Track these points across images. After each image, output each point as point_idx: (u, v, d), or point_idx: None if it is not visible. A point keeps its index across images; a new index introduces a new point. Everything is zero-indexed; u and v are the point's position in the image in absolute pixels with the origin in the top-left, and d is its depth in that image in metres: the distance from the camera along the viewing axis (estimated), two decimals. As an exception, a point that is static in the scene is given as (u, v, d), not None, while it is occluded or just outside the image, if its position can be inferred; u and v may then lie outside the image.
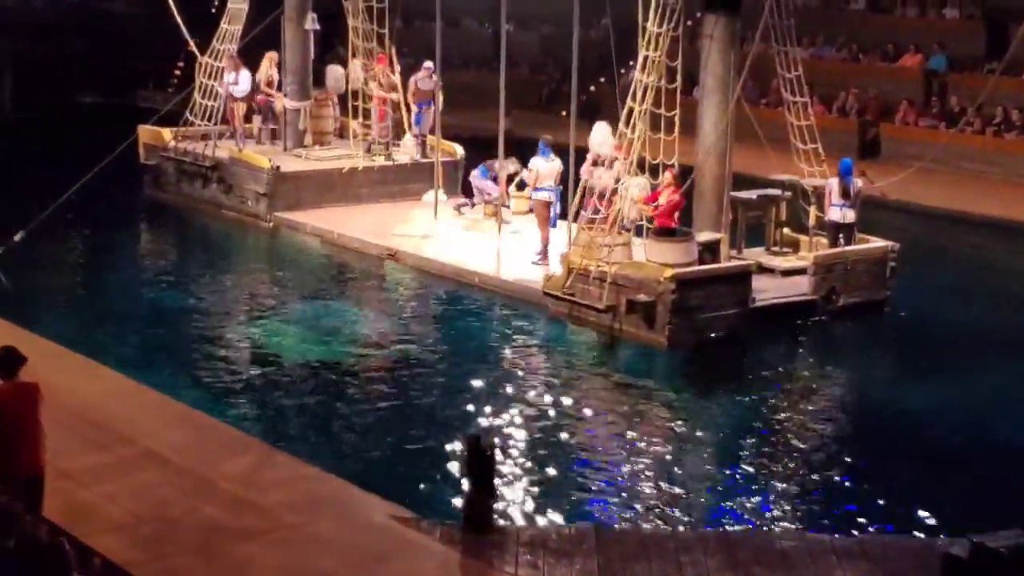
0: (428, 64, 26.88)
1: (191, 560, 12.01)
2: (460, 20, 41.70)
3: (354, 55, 28.20)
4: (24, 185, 27.73)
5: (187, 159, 28.29)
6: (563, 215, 23.06)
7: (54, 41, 42.58)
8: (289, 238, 26.20)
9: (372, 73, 27.51)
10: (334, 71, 28.69)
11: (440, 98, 26.66)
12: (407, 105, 27.86)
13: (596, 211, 20.71)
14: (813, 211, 22.08)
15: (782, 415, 17.84)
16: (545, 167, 22.68)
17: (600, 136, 22.00)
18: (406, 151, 27.93)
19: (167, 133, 28.78)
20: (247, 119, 28.70)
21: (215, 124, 28.15)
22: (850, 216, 21.72)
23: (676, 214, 20.74)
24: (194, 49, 28.43)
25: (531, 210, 23.69)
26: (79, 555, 10.49)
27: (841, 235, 21.76)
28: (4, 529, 9.19)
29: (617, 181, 20.67)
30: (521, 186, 24.86)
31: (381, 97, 27.69)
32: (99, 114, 37.76)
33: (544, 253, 22.51)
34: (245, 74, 28.04)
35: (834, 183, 21.72)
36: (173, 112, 28.80)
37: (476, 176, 25.33)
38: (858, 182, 21.87)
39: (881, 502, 14.72)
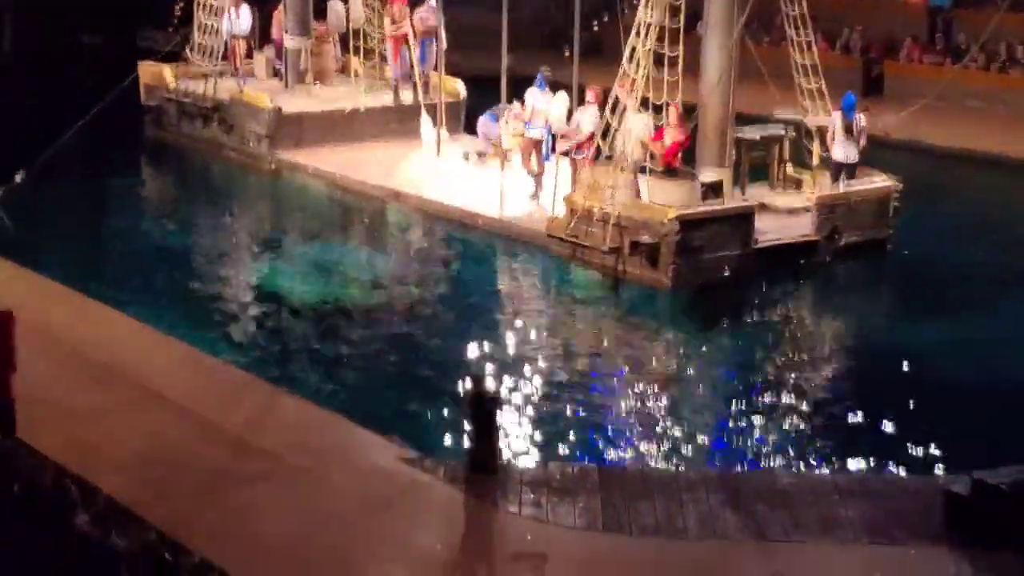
0: (431, 1, 26.71)
1: (196, 502, 12.06)
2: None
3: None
4: (24, 126, 27.61)
5: (188, 99, 28.18)
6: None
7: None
8: (291, 179, 26.13)
9: (387, 9, 27.25)
10: (335, 8, 28.49)
11: (443, 35, 26.48)
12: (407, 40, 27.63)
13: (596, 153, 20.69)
14: (816, 149, 21.98)
15: (784, 355, 17.87)
16: (541, 103, 22.43)
17: (559, 110, 22.02)
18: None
19: (168, 73, 28.64)
20: (247, 56, 28.54)
21: (216, 63, 28.02)
22: (853, 154, 21.64)
23: (680, 154, 20.66)
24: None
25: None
26: (83, 495, 10.56)
27: (844, 173, 21.68)
28: (10, 471, 9.26)
29: (618, 117, 20.53)
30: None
31: (395, 36, 27.35)
32: (99, 54, 37.54)
33: (535, 190, 22.36)
34: (245, 10, 27.87)
35: (837, 120, 21.61)
36: (174, 52, 28.68)
37: (484, 122, 24.96)
38: (862, 119, 21.75)
39: (883, 441, 14.76)
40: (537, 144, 22.58)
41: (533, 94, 22.64)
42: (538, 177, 22.52)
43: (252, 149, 26.85)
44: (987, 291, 20.33)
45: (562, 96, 22.70)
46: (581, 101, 22.04)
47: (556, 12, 39.21)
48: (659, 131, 20.54)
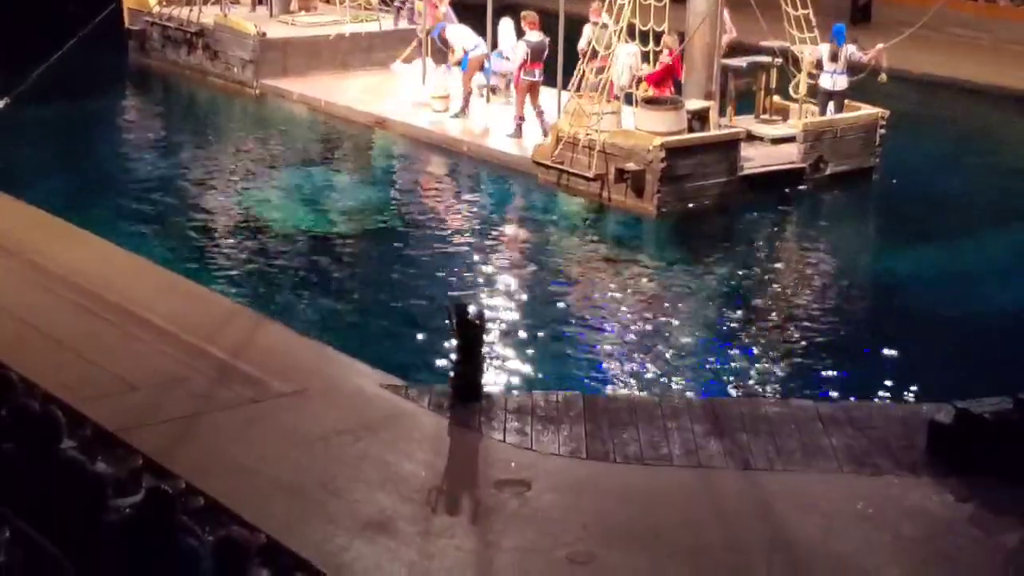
0: None
1: (183, 427, 12.09)
2: None
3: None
4: (6, 52, 27.38)
5: (172, 24, 27.96)
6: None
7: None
8: (276, 105, 26.00)
9: None
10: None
11: None
12: None
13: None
14: (803, 78, 21.89)
15: (769, 283, 17.90)
16: (537, 47, 22.19)
17: (507, 39, 22.54)
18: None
19: (151, -4, 28.42)
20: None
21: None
22: (841, 83, 21.57)
23: (670, 81, 20.62)
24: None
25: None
26: (70, 421, 10.57)
27: (832, 102, 21.63)
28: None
29: (607, 47, 20.44)
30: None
31: None
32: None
33: (519, 128, 22.27)
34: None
35: (825, 49, 21.55)
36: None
37: (494, 59, 23.94)
38: (850, 48, 21.68)
39: (867, 369, 14.84)
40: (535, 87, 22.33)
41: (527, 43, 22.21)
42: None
43: (237, 75, 26.70)
44: (972, 220, 20.36)
45: (505, 24, 23.15)
46: (568, 32, 21.89)
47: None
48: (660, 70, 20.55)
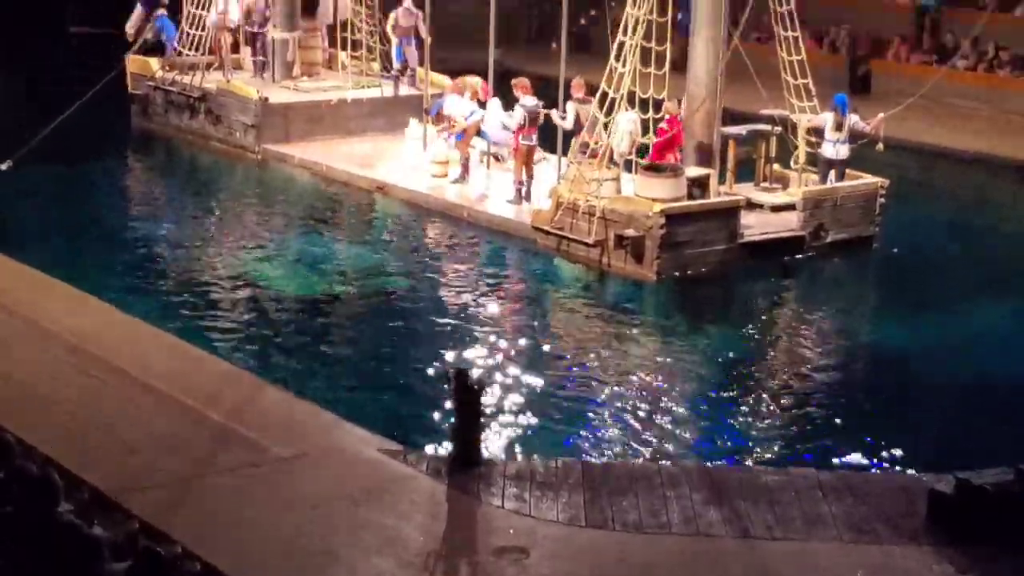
0: (407, 3, 26.75)
1: (180, 491, 12.03)
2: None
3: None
4: (12, 114, 27.57)
5: (175, 89, 28.13)
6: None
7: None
8: (277, 170, 26.09)
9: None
10: (323, 1, 28.50)
11: (424, 30, 26.43)
12: (387, 39, 27.67)
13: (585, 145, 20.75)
14: (802, 147, 21.99)
15: (769, 350, 17.90)
16: (533, 112, 22.33)
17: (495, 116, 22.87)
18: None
19: (155, 63, 28.61)
20: (234, 50, 28.51)
21: (203, 54, 28.00)
22: (844, 152, 21.66)
23: (674, 150, 20.71)
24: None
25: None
26: (68, 484, 10.52)
27: (833, 171, 21.70)
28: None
29: (608, 114, 20.57)
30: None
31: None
32: (88, 43, 37.43)
33: (519, 193, 22.36)
34: (234, 3, 27.84)
35: (829, 118, 21.65)
36: (161, 43, 28.67)
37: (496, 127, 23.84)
38: (853, 117, 21.80)
39: (867, 438, 14.76)
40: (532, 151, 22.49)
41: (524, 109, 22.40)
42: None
43: (239, 140, 26.82)
44: (972, 289, 20.34)
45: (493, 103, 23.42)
46: (567, 95, 22.06)
47: (544, 4, 39.33)
48: (661, 131, 20.64)
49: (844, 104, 21.79)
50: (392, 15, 27.21)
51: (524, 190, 22.27)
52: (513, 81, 22.87)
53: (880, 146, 21.87)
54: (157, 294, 19.09)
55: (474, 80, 24.16)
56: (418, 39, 26.90)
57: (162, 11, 28.71)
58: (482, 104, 23.56)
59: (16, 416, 13.13)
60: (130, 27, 28.93)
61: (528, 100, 22.20)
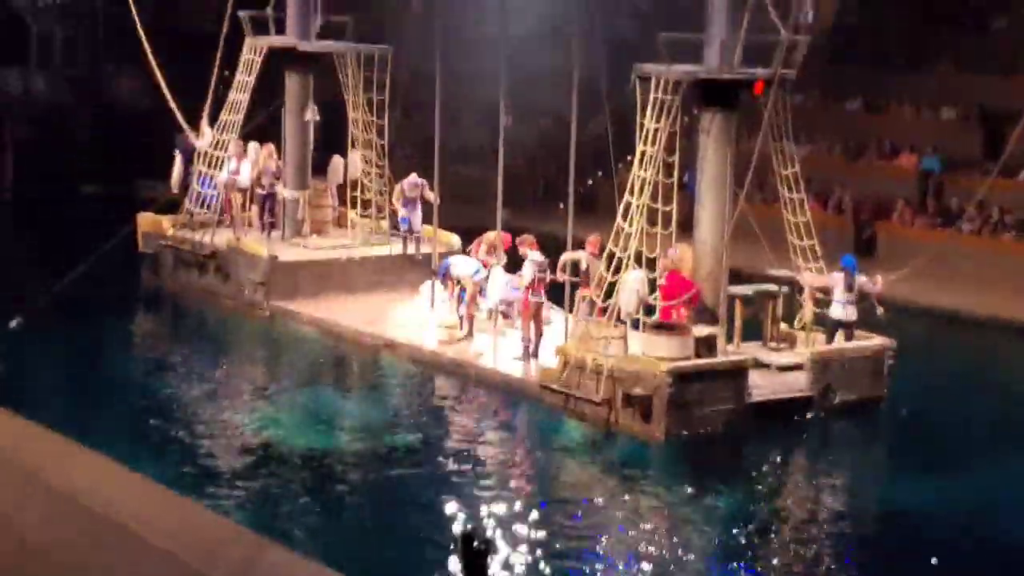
0: (413, 177, 27.18)
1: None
2: (459, 113, 41.91)
3: (353, 145, 28.45)
4: (23, 270, 27.79)
5: (185, 247, 28.36)
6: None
7: (57, 127, 42.82)
8: (286, 327, 26.17)
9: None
10: (334, 161, 28.89)
11: (430, 195, 26.68)
12: (393, 210, 27.96)
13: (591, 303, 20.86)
14: (808, 306, 22.05)
15: (777, 512, 17.73)
16: (540, 268, 22.50)
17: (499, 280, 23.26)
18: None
19: (166, 221, 28.89)
20: (244, 207, 28.80)
21: (214, 213, 28.29)
22: (852, 313, 21.68)
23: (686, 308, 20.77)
24: (192, 139, 28.63)
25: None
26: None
27: (841, 332, 21.70)
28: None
29: (615, 273, 20.68)
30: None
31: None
32: (100, 201, 37.88)
33: (527, 351, 22.41)
34: (247, 165, 28.21)
35: (839, 278, 21.70)
36: (172, 201, 29.01)
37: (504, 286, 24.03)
38: (861, 278, 21.86)
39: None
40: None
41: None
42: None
43: (248, 297, 26.95)
44: (981, 452, 20.23)
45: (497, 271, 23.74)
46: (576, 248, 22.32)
47: (550, 165, 39.81)
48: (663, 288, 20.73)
49: (853, 266, 21.86)
50: (398, 187, 27.46)
51: (532, 347, 22.32)
52: (518, 239, 23.09)
53: (880, 310, 21.88)
54: (162, 450, 18.99)
55: (491, 234, 24.41)
56: (424, 204, 27.16)
57: None
58: (510, 256, 23.70)
59: (14, 572, 12.98)
60: (174, 181, 29.14)
61: (535, 255, 22.37)
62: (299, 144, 28.77)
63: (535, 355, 22.20)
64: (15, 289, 24.92)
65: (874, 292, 21.88)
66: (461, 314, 23.87)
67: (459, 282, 24.09)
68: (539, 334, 22.41)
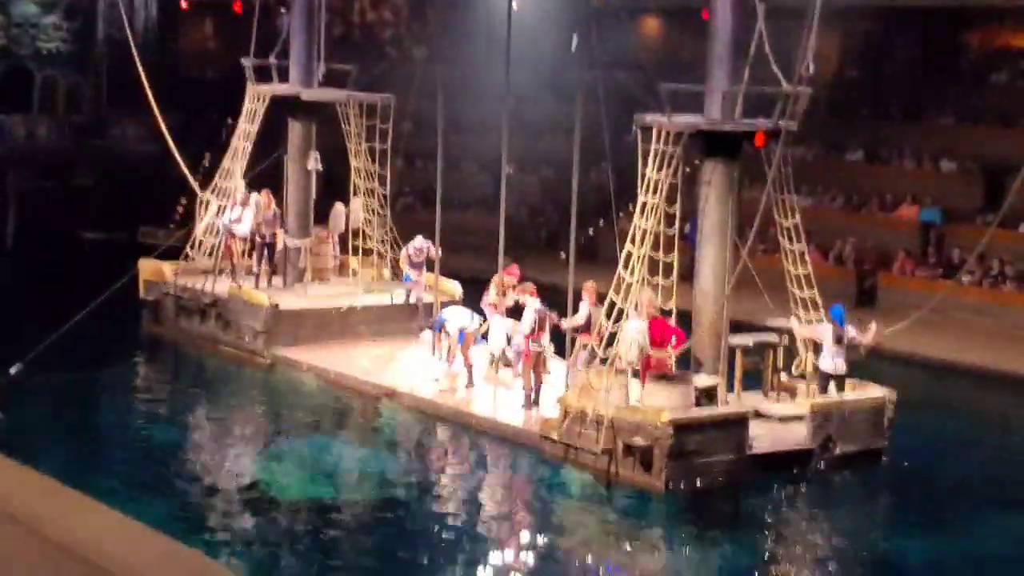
0: (417, 241, 27.06)
1: None
2: (461, 162, 42.09)
3: (355, 194, 28.52)
4: (24, 317, 27.78)
5: (186, 295, 28.37)
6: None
7: (60, 176, 43.00)
8: (286, 375, 26.13)
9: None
10: (336, 209, 28.95)
11: (434, 254, 26.65)
12: (398, 270, 28.00)
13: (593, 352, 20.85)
14: (807, 358, 22.00)
15: (778, 565, 17.66)
16: (541, 315, 22.55)
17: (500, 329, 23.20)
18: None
19: (167, 269, 28.91)
20: (244, 255, 28.84)
21: (214, 259, 28.31)
22: (841, 366, 21.51)
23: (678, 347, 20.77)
24: (195, 186, 28.72)
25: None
26: None
27: (832, 384, 21.58)
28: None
29: (616, 322, 20.69)
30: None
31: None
32: (101, 249, 37.96)
33: (529, 399, 22.38)
34: (249, 213, 28.25)
35: (828, 331, 21.57)
36: (174, 248, 29.07)
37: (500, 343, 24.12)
38: (851, 329, 21.77)
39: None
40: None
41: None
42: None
43: (248, 345, 26.91)
44: (982, 506, 20.15)
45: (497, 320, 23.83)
46: (576, 303, 22.26)
47: (552, 214, 39.92)
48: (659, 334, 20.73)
49: (841, 317, 21.69)
50: (403, 252, 27.42)
51: (533, 396, 22.29)
52: (518, 288, 23.11)
53: (862, 351, 21.74)
54: (163, 499, 18.94)
55: (497, 276, 24.45)
56: (429, 263, 27.13)
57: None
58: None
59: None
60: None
61: (535, 303, 22.39)
62: (302, 192, 28.85)
63: (536, 403, 22.19)
64: (16, 336, 24.87)
65: (864, 343, 21.75)
66: (455, 370, 23.82)
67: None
68: (539, 382, 22.42)
